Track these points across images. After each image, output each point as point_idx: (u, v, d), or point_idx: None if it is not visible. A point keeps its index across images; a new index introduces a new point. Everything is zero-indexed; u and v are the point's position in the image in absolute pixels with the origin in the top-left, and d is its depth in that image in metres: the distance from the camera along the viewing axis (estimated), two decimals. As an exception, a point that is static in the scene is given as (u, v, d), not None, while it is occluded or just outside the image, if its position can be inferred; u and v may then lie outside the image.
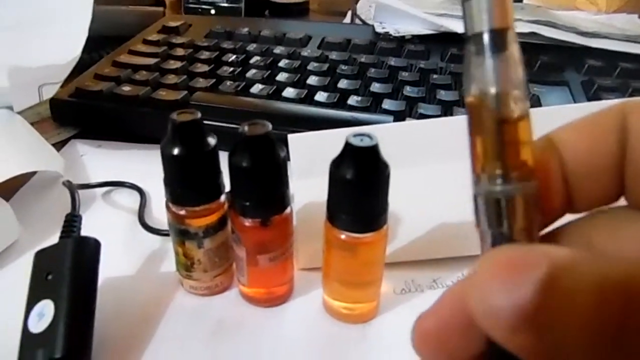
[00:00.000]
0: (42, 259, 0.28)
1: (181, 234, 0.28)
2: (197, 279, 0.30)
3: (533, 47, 0.51)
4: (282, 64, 0.49)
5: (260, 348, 0.28)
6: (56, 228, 0.31)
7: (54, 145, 0.43)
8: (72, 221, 0.30)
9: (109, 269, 0.30)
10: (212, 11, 0.71)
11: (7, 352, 0.25)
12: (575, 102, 0.44)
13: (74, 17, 0.42)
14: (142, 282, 0.32)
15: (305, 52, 0.51)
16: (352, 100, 0.43)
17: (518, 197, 0.13)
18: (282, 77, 0.47)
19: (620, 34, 0.53)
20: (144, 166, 0.42)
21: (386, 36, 0.55)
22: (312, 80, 0.46)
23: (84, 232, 0.30)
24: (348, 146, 0.24)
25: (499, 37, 0.13)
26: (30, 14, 0.44)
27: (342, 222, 0.26)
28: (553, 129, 0.15)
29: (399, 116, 0.41)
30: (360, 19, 0.67)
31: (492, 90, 0.13)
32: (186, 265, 0.29)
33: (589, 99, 0.44)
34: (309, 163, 0.31)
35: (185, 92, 0.45)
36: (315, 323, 0.29)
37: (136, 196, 0.38)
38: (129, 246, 0.35)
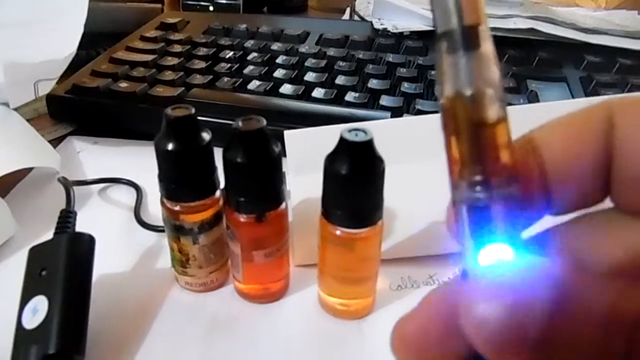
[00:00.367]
0: (36, 254, 0.28)
1: (176, 229, 0.28)
2: (192, 275, 0.30)
3: (532, 43, 0.51)
4: (279, 60, 0.49)
5: (256, 344, 0.28)
6: (52, 224, 0.30)
7: (50, 141, 0.43)
8: (66, 217, 0.30)
9: (104, 265, 0.30)
10: (211, 8, 0.71)
11: (1, 348, 0.25)
12: (573, 98, 0.44)
13: (70, 13, 0.42)
14: (137, 278, 0.32)
15: (303, 49, 0.51)
16: (350, 96, 0.43)
17: (500, 204, 0.13)
18: (279, 73, 0.47)
19: (620, 30, 0.53)
20: (141, 163, 0.41)
21: (384, 32, 0.55)
22: (310, 76, 0.46)
23: (79, 229, 0.30)
24: (342, 141, 0.24)
25: (471, 35, 0.13)
26: (26, 11, 0.44)
27: (337, 217, 0.26)
28: (533, 128, 0.15)
29: (396, 112, 0.41)
30: (359, 16, 0.67)
31: (468, 91, 0.13)
32: (181, 261, 0.29)
33: (588, 95, 0.44)
34: (305, 159, 0.31)
35: (182, 88, 0.45)
36: (310, 319, 0.29)
37: (132, 193, 0.38)
38: (125, 242, 0.34)
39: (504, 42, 0.51)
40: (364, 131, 0.24)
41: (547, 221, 0.15)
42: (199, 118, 0.26)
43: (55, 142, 0.44)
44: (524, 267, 0.11)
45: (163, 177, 0.27)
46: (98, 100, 0.45)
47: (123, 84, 0.45)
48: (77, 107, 0.46)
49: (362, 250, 0.27)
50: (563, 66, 0.48)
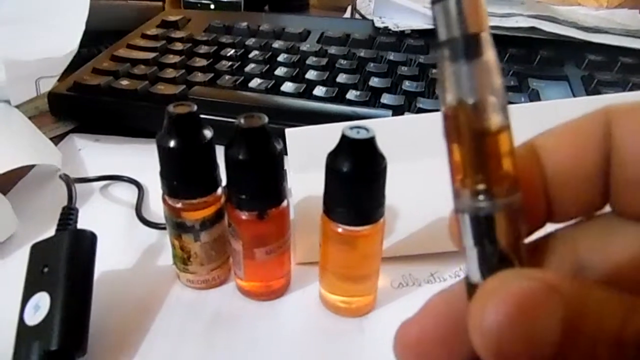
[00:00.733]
0: (38, 251, 0.28)
1: (178, 227, 0.28)
2: (193, 272, 0.30)
3: (533, 42, 0.51)
4: (281, 58, 0.49)
5: (257, 341, 0.28)
6: (53, 221, 0.30)
7: (51, 139, 0.43)
8: (68, 214, 0.30)
9: (106, 262, 0.30)
10: (212, 6, 0.71)
11: (3, 345, 0.25)
12: (575, 96, 0.43)
13: (71, 10, 0.42)
14: (138, 275, 0.32)
15: (304, 47, 0.51)
16: (351, 94, 0.43)
17: (503, 213, 0.13)
18: (280, 71, 0.47)
19: (621, 29, 0.53)
20: (142, 160, 0.41)
21: (385, 31, 0.55)
22: (311, 74, 0.46)
23: (81, 226, 0.30)
24: (344, 139, 0.24)
25: (474, 43, 0.13)
26: (27, 8, 0.44)
27: (338, 215, 0.26)
28: (534, 136, 0.15)
29: (397, 110, 0.41)
30: (360, 14, 0.67)
31: (470, 99, 0.13)
32: (183, 259, 0.29)
33: (589, 94, 0.44)
34: (307, 157, 0.31)
35: (184, 86, 0.45)
36: (312, 317, 0.29)
37: (134, 190, 0.38)
38: (126, 240, 0.34)
39: (506, 41, 0.51)
40: (366, 129, 0.24)
41: (548, 226, 0.15)
42: (201, 116, 0.26)
43: (56, 140, 0.44)
44: (533, 279, 0.11)
45: (165, 175, 0.27)
46: (99, 97, 0.45)
47: (124, 82, 0.45)
48: (79, 105, 0.46)
49: (364, 247, 0.27)
50: (564, 65, 0.48)
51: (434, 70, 0.46)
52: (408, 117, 0.39)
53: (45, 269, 0.27)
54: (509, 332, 0.11)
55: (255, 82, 0.45)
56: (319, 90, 0.44)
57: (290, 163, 0.31)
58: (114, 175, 0.39)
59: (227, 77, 0.46)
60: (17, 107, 0.42)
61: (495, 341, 0.11)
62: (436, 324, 0.15)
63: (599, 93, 0.43)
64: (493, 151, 0.13)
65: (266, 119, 0.25)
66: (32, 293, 0.26)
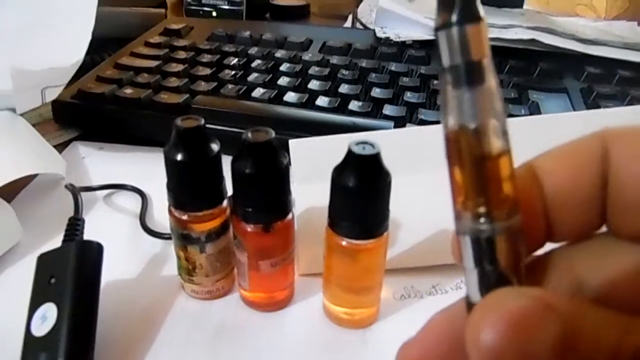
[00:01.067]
0: (45, 262, 0.28)
1: (183, 238, 0.28)
2: (198, 283, 0.30)
3: (533, 54, 0.52)
4: (283, 67, 0.49)
5: (261, 352, 0.28)
6: (58, 230, 0.31)
7: (55, 146, 0.43)
8: (75, 225, 0.30)
9: (110, 272, 0.31)
10: (214, 13, 0.71)
11: (10, 356, 0.25)
12: (574, 109, 0.44)
13: (78, 20, 0.43)
14: (143, 286, 0.32)
15: (306, 56, 0.51)
16: (353, 105, 0.43)
17: (504, 236, 0.13)
18: (283, 81, 0.47)
19: (619, 41, 0.54)
20: (146, 169, 0.42)
21: (387, 41, 0.56)
22: (314, 84, 0.46)
23: (85, 235, 0.31)
24: (350, 154, 0.24)
25: (477, 69, 0.13)
26: (34, 17, 0.44)
27: (343, 228, 0.26)
28: (533, 157, 0.15)
29: (399, 122, 0.42)
30: (362, 23, 0.68)
31: (472, 124, 0.13)
32: (188, 270, 0.30)
33: (588, 107, 0.44)
34: (310, 168, 0.32)
35: (187, 95, 0.45)
36: (315, 328, 0.30)
37: (137, 199, 0.39)
38: (131, 249, 0.35)
39: (505, 52, 0.51)
40: (372, 144, 0.24)
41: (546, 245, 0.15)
42: (205, 126, 0.26)
43: (60, 147, 0.45)
44: (530, 298, 0.12)
45: (172, 187, 0.27)
46: (103, 106, 0.45)
47: (128, 90, 0.45)
48: (83, 113, 0.46)
49: (367, 261, 0.27)
50: (564, 77, 0.49)
51: (435, 81, 0.47)
52: (411, 129, 0.39)
53: (53, 280, 0.27)
54: (505, 349, 0.11)
55: (258, 92, 0.45)
56: (322, 101, 0.44)
57: (294, 174, 0.31)
58: (118, 184, 0.40)
59: (230, 86, 0.46)
60: (21, 114, 0.42)
61: (491, 357, 0.11)
62: (438, 344, 0.15)
63: (598, 106, 0.44)
64: (494, 175, 0.13)
65: (273, 134, 0.25)
66: (39, 304, 0.26)
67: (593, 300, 0.13)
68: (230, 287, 0.32)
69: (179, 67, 0.49)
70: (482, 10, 0.13)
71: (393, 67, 0.50)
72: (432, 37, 0.55)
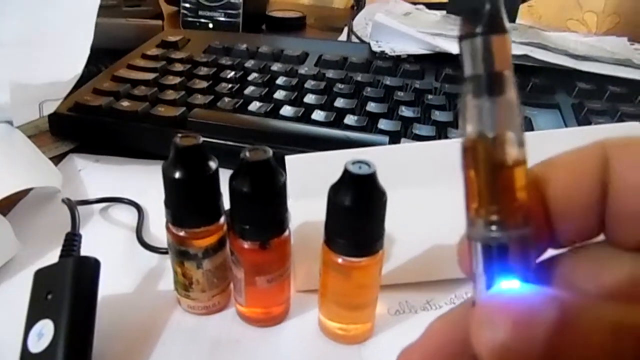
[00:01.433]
0: (42, 278, 0.28)
1: (181, 254, 0.29)
2: (195, 298, 0.30)
3: (525, 69, 0.52)
4: (279, 81, 0.50)
5: (257, 368, 0.28)
6: (55, 244, 0.31)
7: (51, 159, 0.43)
8: (72, 240, 0.30)
9: (106, 286, 0.30)
10: (210, 25, 0.72)
11: (7, 372, 0.25)
12: (566, 124, 0.45)
13: (76, 34, 0.43)
14: (140, 300, 0.32)
15: (302, 70, 0.52)
16: (349, 119, 0.44)
17: (513, 244, 0.14)
18: (279, 95, 0.47)
19: (610, 57, 0.54)
20: (142, 182, 0.42)
21: (382, 55, 0.56)
22: (310, 98, 0.47)
23: (82, 248, 0.31)
24: (347, 173, 0.24)
25: (498, 81, 0.13)
26: (33, 31, 0.45)
27: (339, 246, 0.26)
28: (534, 165, 0.16)
29: (394, 136, 0.42)
30: (357, 36, 0.68)
31: (490, 134, 0.13)
32: (184, 285, 0.30)
33: (579, 122, 0.45)
34: (306, 184, 0.32)
35: (184, 108, 0.45)
36: (311, 343, 0.30)
37: (134, 212, 0.39)
38: (127, 263, 0.35)
39: (499, 68, 0.52)
40: (367, 164, 0.24)
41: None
42: (202, 139, 0.27)
43: (56, 160, 0.45)
44: (531, 292, 0.12)
45: (170, 204, 0.28)
46: (100, 118, 0.45)
47: (125, 103, 0.46)
48: (79, 125, 0.46)
49: (363, 277, 0.28)
50: (556, 92, 0.49)
51: (430, 96, 0.48)
52: (405, 145, 0.40)
53: (49, 296, 0.27)
54: (508, 332, 0.12)
55: (254, 105, 0.46)
56: (318, 115, 0.44)
57: (289, 189, 0.32)
58: (114, 197, 0.40)
59: (226, 99, 0.47)
60: (18, 126, 0.42)
61: (496, 346, 0.12)
62: (438, 348, 0.15)
63: (589, 121, 0.44)
64: (508, 184, 0.14)
65: (271, 153, 0.26)
66: (35, 320, 0.26)
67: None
68: (227, 303, 0.32)
69: (176, 80, 0.49)
70: (507, 23, 0.13)
71: (388, 81, 0.50)
72: (426, 52, 0.55)
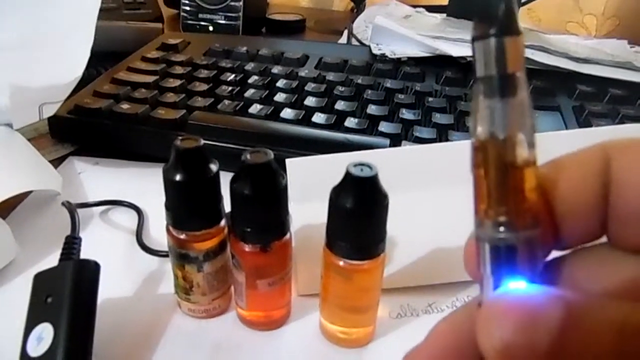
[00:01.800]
0: (42, 281, 0.28)
1: (181, 257, 0.29)
2: (195, 301, 0.30)
3: (526, 72, 0.52)
4: (280, 84, 0.50)
5: (258, 372, 0.28)
6: (54, 247, 0.31)
7: (51, 161, 0.43)
8: (72, 243, 0.30)
9: (106, 289, 0.30)
10: (210, 28, 0.72)
11: (5, 376, 0.25)
12: (566, 127, 0.45)
13: (77, 37, 0.43)
14: (140, 304, 0.32)
15: (302, 72, 0.52)
16: (349, 122, 0.44)
17: (521, 245, 0.13)
18: (280, 97, 0.47)
19: (610, 60, 0.54)
20: (142, 184, 0.42)
21: (382, 57, 0.56)
22: (310, 101, 0.47)
23: (81, 251, 0.30)
24: (348, 176, 0.24)
25: (510, 82, 0.13)
26: (33, 33, 0.44)
27: (340, 249, 0.26)
28: (538, 166, 0.16)
29: (395, 139, 0.42)
30: (357, 39, 0.68)
31: (501, 135, 0.13)
32: (185, 288, 0.30)
33: (580, 125, 0.45)
34: (307, 187, 0.32)
35: (184, 111, 0.45)
36: (312, 347, 0.30)
37: (133, 215, 0.39)
38: (127, 267, 0.35)
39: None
40: (369, 166, 0.24)
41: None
42: (202, 142, 0.26)
43: (55, 162, 0.45)
44: (538, 292, 0.12)
45: (170, 207, 0.27)
46: (100, 121, 0.45)
47: (125, 106, 0.45)
48: (80, 128, 0.46)
49: (364, 281, 0.27)
50: (556, 95, 0.49)
51: (430, 99, 0.48)
52: (407, 147, 0.40)
53: (49, 300, 0.27)
54: (514, 331, 0.12)
55: (255, 108, 0.46)
56: (318, 117, 0.44)
57: (290, 193, 0.32)
58: (114, 200, 0.40)
59: (227, 102, 0.47)
60: (17, 129, 0.42)
61: (502, 345, 0.12)
62: (443, 351, 0.15)
63: (590, 124, 0.44)
64: (518, 185, 0.14)
65: (272, 155, 0.25)
66: (35, 323, 0.26)
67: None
68: (227, 306, 0.32)
69: (176, 83, 0.49)
70: (521, 25, 0.13)
71: (388, 83, 0.50)
72: (427, 55, 0.55)
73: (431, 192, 0.32)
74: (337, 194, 0.25)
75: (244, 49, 0.57)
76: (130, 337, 0.30)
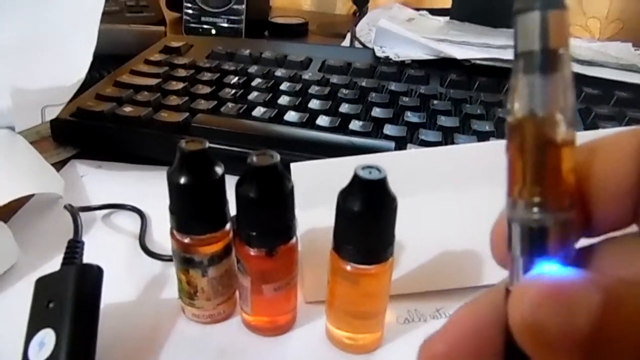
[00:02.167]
0: (43, 286, 0.27)
1: (186, 262, 0.28)
2: (199, 307, 0.30)
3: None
4: (283, 87, 0.50)
5: (263, 378, 0.28)
6: (56, 251, 0.30)
7: (53, 164, 0.43)
8: (74, 247, 0.29)
9: (109, 294, 0.30)
10: (213, 31, 0.71)
11: (7, 383, 0.25)
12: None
13: (80, 39, 0.43)
14: (143, 309, 0.32)
15: (306, 75, 0.52)
16: (354, 125, 0.43)
17: (555, 227, 0.13)
18: (283, 100, 0.47)
19: (615, 62, 0.54)
20: (145, 188, 0.41)
21: (386, 60, 0.56)
22: (314, 104, 0.46)
23: (84, 255, 0.30)
24: (356, 178, 0.24)
25: (553, 58, 0.13)
26: (35, 35, 0.44)
27: (348, 253, 0.26)
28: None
29: (400, 142, 0.42)
30: (360, 42, 0.68)
31: (540, 112, 0.13)
32: (189, 293, 0.29)
33: (587, 127, 0.45)
34: (312, 192, 0.32)
35: (187, 114, 0.45)
36: (318, 353, 0.29)
37: (136, 218, 0.38)
38: (130, 271, 0.34)
39: (503, 73, 0.52)
40: (378, 169, 0.24)
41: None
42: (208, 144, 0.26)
43: (58, 166, 0.44)
44: (574, 275, 0.12)
45: (175, 210, 0.27)
46: (103, 124, 0.45)
47: (128, 109, 0.45)
48: (82, 131, 0.46)
49: (372, 285, 0.27)
50: (562, 98, 0.49)
51: (435, 102, 0.47)
52: (413, 151, 0.39)
53: (51, 305, 0.26)
54: (548, 317, 0.11)
55: (258, 111, 0.45)
56: (322, 120, 0.44)
57: (295, 197, 0.31)
58: (116, 204, 0.39)
59: (230, 105, 0.46)
60: (19, 132, 0.42)
61: (533, 329, 0.11)
62: (464, 337, 0.15)
63: (597, 126, 0.44)
64: (555, 165, 0.13)
65: (278, 158, 0.25)
66: (37, 329, 0.26)
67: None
68: (232, 311, 0.31)
69: (179, 85, 0.49)
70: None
71: (393, 86, 0.50)
72: (431, 57, 0.55)
73: (438, 196, 0.32)
74: (345, 197, 0.24)
75: (247, 51, 0.56)
76: (134, 342, 0.29)
